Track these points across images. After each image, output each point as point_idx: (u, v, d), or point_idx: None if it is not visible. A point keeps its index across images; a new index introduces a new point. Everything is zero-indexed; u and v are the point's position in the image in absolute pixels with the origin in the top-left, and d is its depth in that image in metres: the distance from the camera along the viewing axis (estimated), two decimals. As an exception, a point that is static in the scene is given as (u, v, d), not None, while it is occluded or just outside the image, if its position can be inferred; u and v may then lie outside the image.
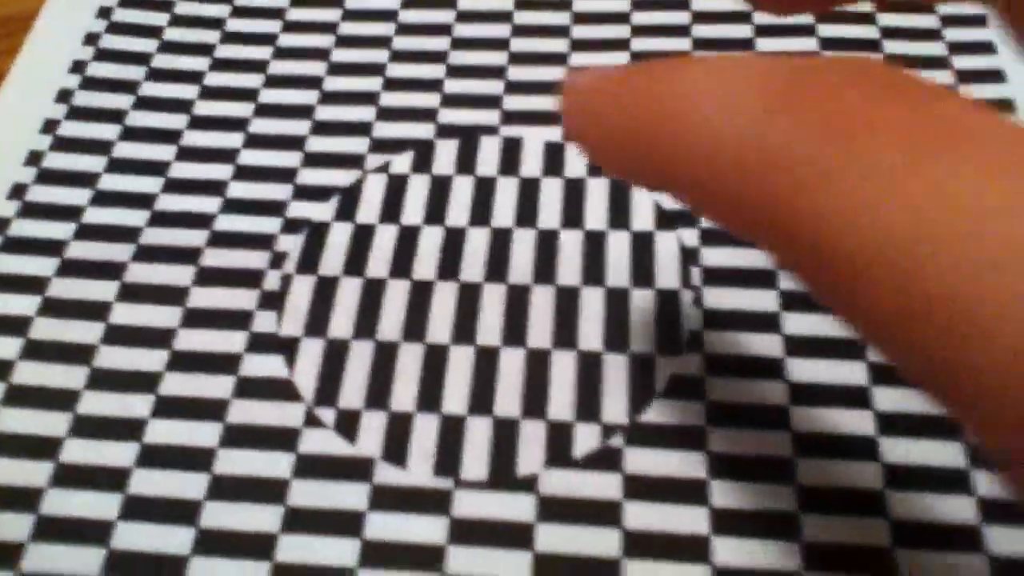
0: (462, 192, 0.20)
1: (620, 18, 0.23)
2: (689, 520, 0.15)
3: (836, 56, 0.09)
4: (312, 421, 0.17)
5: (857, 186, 0.08)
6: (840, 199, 0.08)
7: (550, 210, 0.19)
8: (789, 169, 0.09)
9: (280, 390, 0.17)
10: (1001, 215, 0.08)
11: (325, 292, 0.18)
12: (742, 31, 0.22)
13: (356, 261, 0.19)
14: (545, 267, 0.18)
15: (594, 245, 0.18)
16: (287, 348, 0.17)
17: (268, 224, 0.19)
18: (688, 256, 0.18)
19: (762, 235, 0.09)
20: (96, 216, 0.19)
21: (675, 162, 0.10)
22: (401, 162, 0.20)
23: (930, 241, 0.08)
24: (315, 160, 0.20)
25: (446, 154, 0.20)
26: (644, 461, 0.16)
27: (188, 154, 0.20)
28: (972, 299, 0.08)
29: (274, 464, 0.16)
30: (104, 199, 0.20)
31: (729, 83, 0.10)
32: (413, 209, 0.19)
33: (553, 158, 0.20)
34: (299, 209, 0.19)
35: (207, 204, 0.20)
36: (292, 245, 0.19)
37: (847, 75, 0.09)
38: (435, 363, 0.17)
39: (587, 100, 0.11)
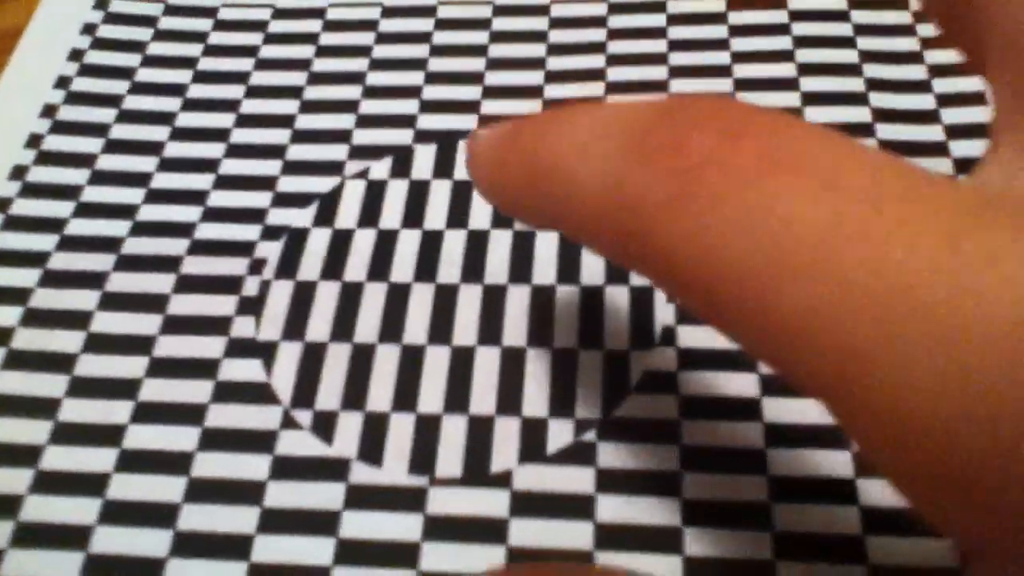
0: (440, 196, 0.20)
1: (597, 22, 0.23)
2: (661, 512, 0.15)
3: (694, 96, 0.10)
4: (289, 423, 0.17)
5: (700, 219, 0.09)
6: (686, 233, 0.09)
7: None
8: (642, 209, 0.10)
9: (258, 393, 0.17)
10: (822, 233, 0.08)
11: (303, 297, 0.18)
12: (717, 31, 0.22)
13: (334, 266, 0.19)
14: (520, 267, 0.18)
15: (568, 245, 0.19)
16: (265, 352, 0.18)
17: (248, 231, 0.19)
18: (662, 253, 0.18)
19: (639, 270, 0.10)
20: (79, 227, 0.20)
21: (555, 212, 0.11)
22: (380, 168, 0.20)
23: (766, 264, 0.09)
24: (295, 168, 0.21)
25: (424, 159, 0.20)
26: (617, 455, 0.16)
27: (170, 165, 0.21)
28: (794, 308, 0.09)
29: (251, 466, 0.16)
30: (87, 210, 0.20)
31: (597, 131, 0.11)
32: (391, 214, 0.20)
33: (529, 160, 0.20)
34: (279, 216, 0.20)
35: (188, 213, 0.20)
36: (271, 251, 0.19)
37: (700, 114, 0.10)
38: (411, 364, 0.17)
39: (485, 155, 0.13)
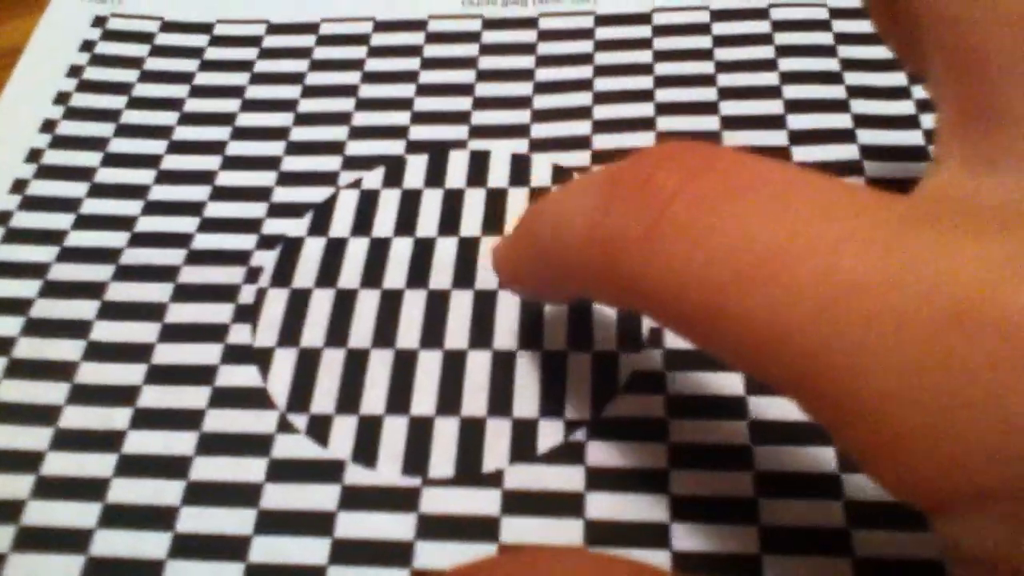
0: (431, 204, 0.20)
1: (584, 34, 0.23)
2: (649, 508, 0.15)
3: (659, 145, 0.12)
4: (285, 427, 0.17)
5: (668, 247, 0.10)
6: (658, 261, 0.10)
7: (516, 219, 0.20)
8: (619, 245, 0.11)
9: (254, 398, 0.17)
10: (778, 249, 0.10)
11: (298, 304, 0.19)
12: (705, 67, 0.23)
13: (328, 273, 0.19)
14: (511, 272, 0.19)
15: None
16: (261, 358, 0.18)
17: (244, 241, 0.20)
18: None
19: (628, 305, 0.12)
20: (78, 239, 0.20)
21: (557, 271, 0.13)
22: (373, 178, 0.21)
23: (729, 280, 0.10)
24: (290, 179, 0.21)
25: (416, 169, 0.21)
26: (606, 454, 0.16)
27: (167, 177, 0.21)
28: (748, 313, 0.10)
29: (248, 469, 0.17)
30: (86, 223, 0.20)
31: (579, 192, 0.12)
32: (384, 222, 0.20)
33: (519, 169, 0.21)
34: (274, 226, 0.20)
35: (185, 224, 0.20)
36: (267, 260, 0.20)
37: (663, 156, 0.11)
38: (404, 368, 0.18)
39: (502, 251, 0.15)
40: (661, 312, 0.11)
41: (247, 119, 0.22)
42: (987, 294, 0.08)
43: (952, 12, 0.11)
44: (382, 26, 0.24)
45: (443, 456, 0.16)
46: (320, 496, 0.16)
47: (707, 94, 0.22)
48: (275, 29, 0.24)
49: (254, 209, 0.20)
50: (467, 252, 0.19)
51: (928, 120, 0.21)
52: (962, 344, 0.08)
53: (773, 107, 0.21)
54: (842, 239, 0.09)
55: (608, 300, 0.13)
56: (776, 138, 0.21)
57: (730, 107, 0.21)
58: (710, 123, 0.21)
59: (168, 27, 0.24)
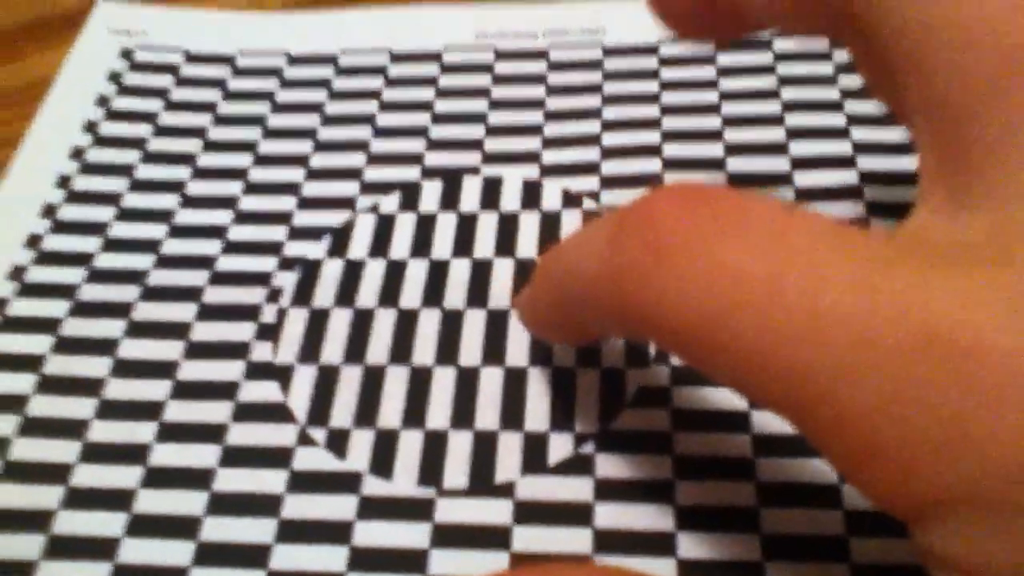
0: (445, 228, 0.21)
1: (593, 65, 0.24)
2: (655, 518, 0.16)
3: (665, 186, 0.13)
4: (305, 440, 0.18)
5: (668, 281, 0.11)
6: (659, 294, 0.11)
7: (527, 241, 0.21)
8: (625, 279, 0.12)
9: (275, 413, 0.18)
10: (767, 284, 0.11)
11: (317, 323, 0.19)
12: (709, 96, 0.23)
13: (347, 294, 0.20)
14: (522, 292, 0.19)
15: None
16: (282, 375, 0.19)
17: (265, 263, 0.21)
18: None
19: (637, 336, 0.13)
20: (107, 261, 0.21)
21: (574, 311, 0.14)
22: (389, 202, 0.22)
23: (724, 312, 0.11)
24: (310, 203, 0.22)
25: (431, 194, 0.22)
26: (613, 466, 0.17)
27: (192, 202, 0.22)
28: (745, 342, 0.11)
29: (269, 480, 0.17)
30: (114, 246, 0.21)
31: (591, 234, 0.13)
32: (400, 245, 0.21)
33: (530, 194, 0.21)
34: (294, 248, 0.21)
35: (209, 247, 0.21)
36: (287, 281, 0.20)
37: (664, 198, 0.12)
38: (419, 383, 0.18)
39: (525, 299, 0.17)
40: (667, 340, 0.12)
41: (268, 146, 0.23)
42: (954, 323, 0.10)
43: (927, 67, 0.12)
44: (399, 57, 0.25)
45: (457, 468, 0.17)
46: (338, 506, 0.17)
47: (711, 122, 0.22)
48: (295, 60, 0.25)
49: (275, 232, 0.21)
50: (480, 273, 0.20)
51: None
52: (931, 368, 0.10)
53: (775, 135, 0.22)
54: (827, 274, 0.10)
55: (622, 333, 0.14)
56: (779, 164, 0.21)
57: (733, 135, 0.22)
58: (715, 150, 0.22)
59: (192, 58, 0.25)
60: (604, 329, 0.14)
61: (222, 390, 0.19)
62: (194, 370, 0.19)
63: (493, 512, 0.16)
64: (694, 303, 0.11)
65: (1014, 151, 0.11)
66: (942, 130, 0.11)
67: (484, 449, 0.17)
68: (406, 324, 0.19)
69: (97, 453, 0.18)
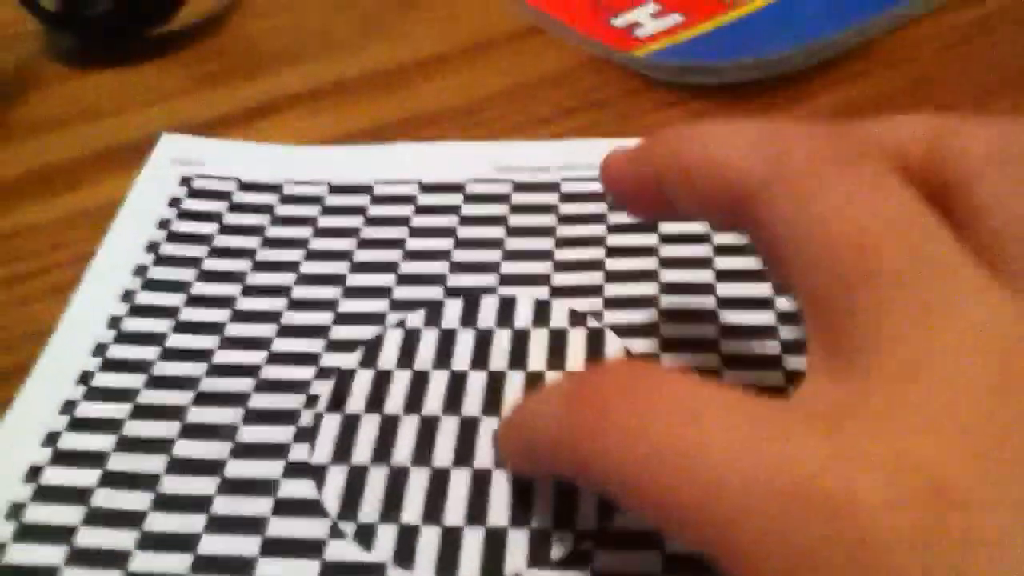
0: (464, 343, 0.24)
1: (599, 196, 0.27)
2: None
3: (614, 362, 0.16)
4: (336, 533, 0.20)
5: (601, 444, 0.14)
6: (590, 454, 0.15)
7: (537, 355, 0.23)
8: (571, 439, 0.15)
9: (310, 508, 0.20)
10: (687, 450, 0.13)
11: (349, 427, 0.22)
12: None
13: (376, 401, 0.22)
14: (532, 403, 0.22)
15: None
16: (317, 474, 0.21)
17: (305, 372, 0.23)
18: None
19: (583, 484, 0.16)
20: (164, 369, 0.24)
21: (539, 460, 0.17)
22: (415, 319, 0.24)
23: (644, 474, 0.14)
24: (345, 319, 0.25)
25: (453, 311, 0.24)
26: (610, 560, 0.19)
27: (241, 316, 0.25)
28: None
29: (303, 570, 0.19)
30: (172, 355, 0.24)
31: (549, 398, 0.17)
32: (424, 357, 0.23)
33: (540, 313, 0.24)
34: (330, 359, 0.24)
35: (256, 357, 0.24)
36: (323, 389, 0.23)
37: (615, 376, 0.15)
38: (439, 484, 0.21)
39: (503, 438, 0.19)
40: (607, 490, 0.15)
41: (310, 267, 0.26)
42: (815, 477, 0.12)
43: (801, 265, 0.15)
44: (427, 188, 0.28)
45: (471, 561, 0.19)
46: (365, 594, 0.19)
47: (703, 250, 0.25)
48: (336, 189, 0.28)
49: (313, 345, 0.24)
50: (494, 384, 0.22)
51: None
52: (796, 517, 0.12)
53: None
54: (721, 438, 0.13)
55: (575, 481, 0.16)
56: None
57: (723, 263, 0.25)
58: (706, 276, 0.24)
59: (244, 187, 0.29)
60: (560, 475, 0.17)
61: (263, 487, 0.21)
62: (239, 468, 0.21)
63: (502, 601, 0.18)
64: (622, 465, 0.14)
65: (880, 331, 0.13)
66: (819, 313, 0.14)
67: (495, 544, 0.19)
68: (428, 430, 0.22)
69: (153, 542, 0.20)
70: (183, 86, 0.34)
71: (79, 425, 0.22)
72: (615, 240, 0.26)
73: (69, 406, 0.23)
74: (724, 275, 0.24)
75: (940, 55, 0.32)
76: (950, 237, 0.14)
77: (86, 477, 0.21)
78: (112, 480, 0.21)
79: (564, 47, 0.34)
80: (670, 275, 0.25)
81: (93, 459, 0.22)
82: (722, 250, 0.25)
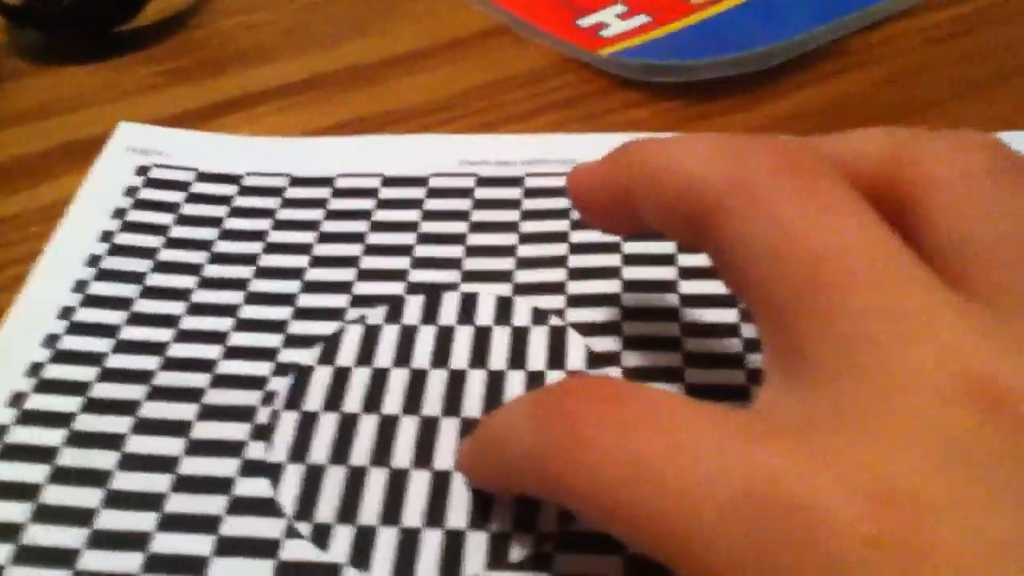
0: (425, 340, 0.23)
1: (563, 192, 0.27)
2: None
3: (574, 377, 0.16)
4: (292, 533, 0.20)
5: (576, 458, 0.14)
6: (565, 468, 0.15)
7: (498, 354, 0.23)
8: (541, 455, 0.15)
9: (265, 507, 0.20)
10: (659, 461, 0.14)
11: (307, 425, 0.22)
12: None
13: (334, 399, 0.22)
14: (493, 403, 0.22)
15: (535, 383, 0.22)
16: (273, 472, 0.21)
17: (262, 368, 0.23)
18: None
19: (553, 499, 0.16)
20: (118, 361, 0.23)
21: (508, 475, 0.17)
22: (375, 315, 0.24)
23: (616, 485, 0.14)
24: (304, 314, 0.24)
25: (414, 308, 0.24)
26: (572, 564, 0.19)
27: (196, 309, 0.24)
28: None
29: (258, 570, 0.19)
30: (125, 347, 0.23)
31: (519, 411, 0.16)
32: (384, 354, 0.23)
33: (502, 310, 0.24)
34: (288, 355, 0.23)
35: (211, 351, 0.23)
36: (281, 386, 0.22)
37: (577, 387, 0.15)
38: (397, 484, 0.20)
39: (466, 460, 0.19)
40: (579, 506, 0.15)
41: (269, 260, 0.26)
42: (769, 479, 0.12)
43: (753, 279, 0.15)
44: (390, 181, 0.28)
45: (429, 562, 0.19)
46: (320, 595, 0.19)
47: (666, 247, 0.25)
48: (297, 182, 0.28)
49: (271, 340, 0.24)
50: (455, 384, 0.22)
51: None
52: (751, 517, 0.12)
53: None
54: (696, 451, 0.13)
55: (543, 497, 0.17)
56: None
57: (686, 260, 0.25)
58: (668, 273, 0.24)
59: (203, 177, 0.28)
60: (529, 493, 0.17)
61: (218, 485, 0.20)
62: (193, 465, 0.21)
63: (459, 603, 0.18)
64: (602, 477, 0.14)
65: (836, 342, 0.14)
66: (773, 325, 0.15)
67: (453, 546, 0.19)
68: (387, 429, 0.21)
69: (103, 540, 0.20)
70: (149, 82, 0.33)
71: (28, 418, 0.22)
72: (578, 236, 0.26)
73: (19, 398, 0.22)
74: (687, 272, 0.24)
75: (915, 54, 0.32)
76: (904, 248, 0.14)
77: (34, 472, 0.21)
78: (61, 476, 0.21)
79: (534, 47, 0.33)
80: (633, 272, 0.25)
81: (42, 454, 0.21)
82: (685, 249, 0.25)
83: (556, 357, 0.23)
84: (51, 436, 0.22)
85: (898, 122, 0.29)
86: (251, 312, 0.24)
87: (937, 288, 0.14)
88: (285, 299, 0.25)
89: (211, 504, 0.20)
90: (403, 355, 0.23)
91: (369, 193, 0.27)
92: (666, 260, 0.25)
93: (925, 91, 0.31)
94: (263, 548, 0.19)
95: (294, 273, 0.25)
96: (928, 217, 0.16)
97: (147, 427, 0.22)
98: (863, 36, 0.33)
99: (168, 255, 0.26)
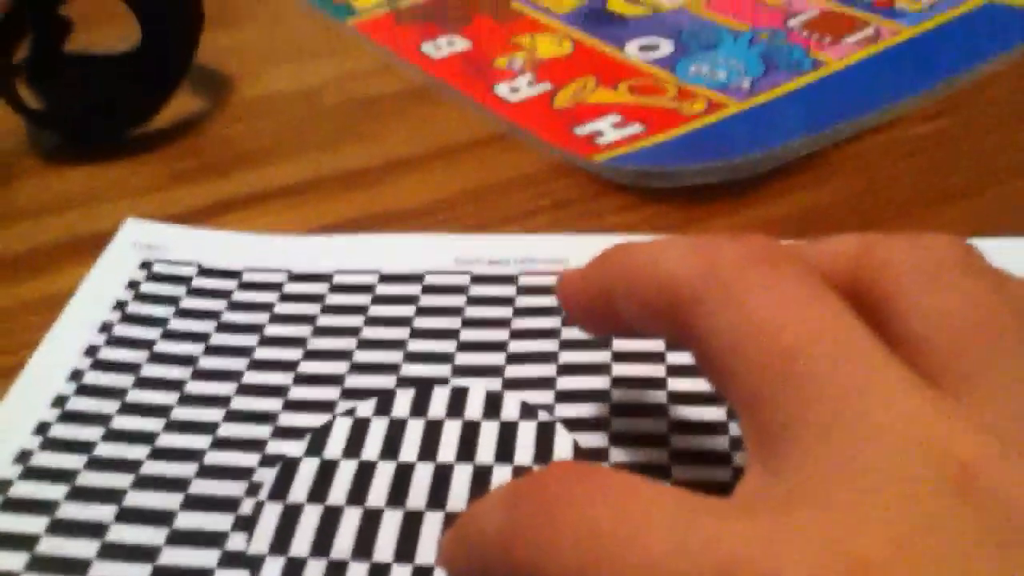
0: (414, 433, 0.23)
1: (555, 290, 0.27)
2: None
3: (549, 468, 0.16)
4: (268, 627, 0.19)
5: (548, 544, 0.14)
6: (546, 547, 0.14)
7: (486, 448, 0.23)
8: (512, 539, 0.15)
9: (243, 600, 0.20)
10: (627, 538, 0.13)
11: (290, 517, 0.21)
12: None
13: (319, 491, 0.22)
14: (478, 497, 0.22)
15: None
16: (253, 564, 0.20)
17: (249, 459, 0.23)
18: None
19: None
20: (106, 450, 0.23)
21: (485, 563, 0.16)
22: (365, 407, 0.24)
23: (592, 560, 0.14)
24: (294, 406, 0.24)
25: (403, 401, 0.24)
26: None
27: (188, 400, 0.24)
28: None
29: (231, 665, 0.19)
30: (115, 436, 0.24)
31: (496, 499, 0.16)
32: (372, 447, 0.23)
33: (491, 405, 0.24)
34: (276, 447, 0.23)
35: (199, 441, 0.23)
36: (267, 476, 0.22)
37: (557, 476, 0.15)
38: (378, 577, 0.20)
39: (447, 551, 0.18)
40: None
41: (263, 352, 0.26)
42: (738, 557, 0.12)
43: (727, 374, 0.16)
44: (386, 278, 0.28)
45: (405, 659, 0.18)
46: None
47: (655, 344, 0.25)
48: (295, 278, 0.29)
49: (260, 431, 0.24)
50: (441, 477, 0.22)
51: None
52: None
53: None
54: (665, 534, 0.13)
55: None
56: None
57: (673, 358, 0.25)
58: (657, 370, 0.25)
59: (204, 272, 0.29)
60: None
61: (197, 576, 0.20)
62: (174, 556, 0.21)
63: None
64: (575, 563, 0.14)
65: (807, 428, 0.14)
66: (751, 415, 0.15)
67: (431, 642, 0.19)
68: (370, 522, 0.21)
69: None
70: (156, 182, 0.35)
71: (11, 506, 0.22)
72: (569, 333, 0.26)
73: (4, 485, 0.22)
74: (675, 370, 0.25)
75: (894, 165, 0.33)
76: (872, 336, 0.15)
77: (14, 560, 0.21)
78: (40, 565, 0.21)
79: (529, 152, 0.35)
80: (622, 369, 0.25)
81: (24, 542, 0.21)
82: (674, 347, 0.25)
83: (543, 452, 0.23)
84: (34, 524, 0.21)
85: (875, 229, 0.30)
86: (242, 403, 0.24)
87: (906, 375, 0.14)
88: (277, 391, 0.25)
89: (188, 596, 0.20)
90: (390, 448, 0.23)
91: (366, 289, 0.28)
92: (655, 358, 0.25)
93: (903, 200, 0.31)
94: (238, 642, 0.19)
95: (287, 366, 0.25)
96: (898, 309, 0.16)
97: (130, 516, 0.22)
98: (844, 147, 0.34)
99: (165, 347, 0.26)
